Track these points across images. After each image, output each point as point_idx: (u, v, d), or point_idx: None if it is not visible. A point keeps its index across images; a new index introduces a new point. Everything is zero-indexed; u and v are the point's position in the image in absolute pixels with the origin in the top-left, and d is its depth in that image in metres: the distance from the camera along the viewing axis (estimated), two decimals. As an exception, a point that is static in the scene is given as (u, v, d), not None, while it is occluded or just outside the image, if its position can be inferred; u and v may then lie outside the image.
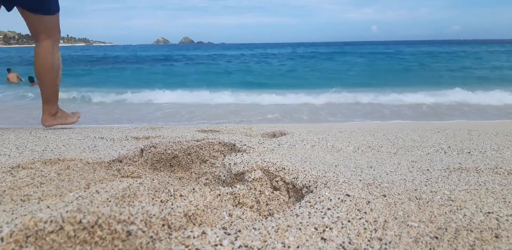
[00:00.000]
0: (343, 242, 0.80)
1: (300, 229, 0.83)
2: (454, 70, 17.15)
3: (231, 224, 0.97)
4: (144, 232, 0.75)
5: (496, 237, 0.86)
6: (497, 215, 0.96)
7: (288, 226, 0.84)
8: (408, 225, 0.92)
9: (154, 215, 0.81)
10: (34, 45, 2.45)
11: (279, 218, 0.88)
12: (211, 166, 1.58)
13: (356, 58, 28.71)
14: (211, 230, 0.78)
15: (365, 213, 0.95)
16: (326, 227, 0.85)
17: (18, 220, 0.79)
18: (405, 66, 19.20)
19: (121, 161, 1.61)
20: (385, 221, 0.93)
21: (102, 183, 1.36)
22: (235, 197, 1.13)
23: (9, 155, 1.64)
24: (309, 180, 1.22)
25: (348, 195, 1.06)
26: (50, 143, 2.04)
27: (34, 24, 2.29)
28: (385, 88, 9.83)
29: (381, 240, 0.84)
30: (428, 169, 1.48)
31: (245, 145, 1.80)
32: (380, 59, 26.76)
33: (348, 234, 0.84)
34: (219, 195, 1.09)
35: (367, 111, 6.83)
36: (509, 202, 1.06)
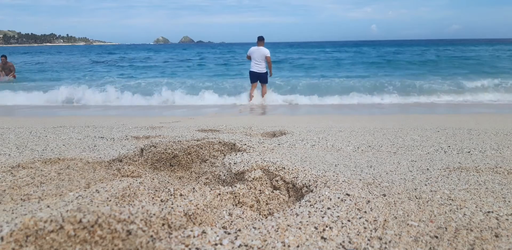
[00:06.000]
0: (343, 241, 0.80)
1: (300, 228, 0.83)
2: None
3: (231, 223, 0.97)
4: (144, 231, 0.75)
5: (496, 236, 0.86)
6: (497, 214, 0.96)
7: (288, 225, 0.84)
8: (408, 224, 0.92)
9: (154, 214, 0.81)
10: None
11: (279, 217, 0.88)
12: (211, 166, 1.58)
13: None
14: (211, 229, 0.78)
15: (365, 212, 0.95)
16: (326, 227, 0.85)
17: (18, 220, 0.79)
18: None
19: (121, 161, 1.61)
20: (385, 220, 0.93)
21: (102, 182, 1.36)
22: (235, 196, 1.13)
23: (9, 154, 1.64)
24: (309, 180, 1.22)
25: (348, 194, 1.06)
26: (50, 142, 2.04)
27: (263, 86, 8.00)
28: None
29: (381, 239, 0.84)
30: (428, 168, 1.48)
31: (245, 144, 1.80)
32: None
33: (348, 233, 0.84)
34: (219, 194, 1.09)
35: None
36: (509, 201, 1.07)
